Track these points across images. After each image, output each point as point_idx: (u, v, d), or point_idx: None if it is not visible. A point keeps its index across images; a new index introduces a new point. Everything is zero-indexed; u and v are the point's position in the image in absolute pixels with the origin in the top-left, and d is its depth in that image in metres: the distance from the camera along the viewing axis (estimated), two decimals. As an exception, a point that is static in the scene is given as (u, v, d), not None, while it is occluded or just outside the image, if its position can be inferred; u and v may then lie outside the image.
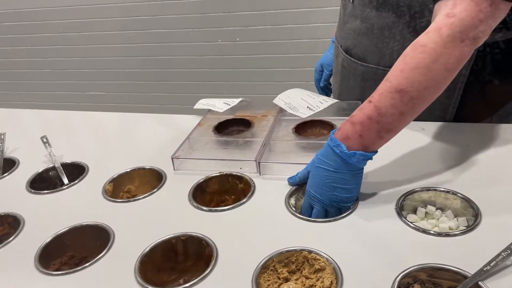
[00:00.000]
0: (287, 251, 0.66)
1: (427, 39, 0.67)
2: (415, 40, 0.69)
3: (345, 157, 0.70)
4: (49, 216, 0.82)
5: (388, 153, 0.84)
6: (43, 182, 0.96)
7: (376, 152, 0.73)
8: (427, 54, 0.66)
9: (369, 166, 0.83)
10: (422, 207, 0.76)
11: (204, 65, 2.52)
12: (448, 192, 0.74)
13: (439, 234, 0.67)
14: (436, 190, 0.75)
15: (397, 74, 0.68)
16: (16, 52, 2.86)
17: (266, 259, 0.65)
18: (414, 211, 0.76)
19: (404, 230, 0.69)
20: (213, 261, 0.67)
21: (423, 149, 0.89)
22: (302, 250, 0.66)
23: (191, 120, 1.11)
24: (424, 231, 0.68)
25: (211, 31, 2.41)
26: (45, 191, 0.90)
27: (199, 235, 0.72)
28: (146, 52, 2.58)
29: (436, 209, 0.75)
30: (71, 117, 1.27)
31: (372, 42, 0.96)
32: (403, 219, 0.71)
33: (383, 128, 0.69)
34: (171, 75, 2.61)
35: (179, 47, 2.51)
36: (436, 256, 0.63)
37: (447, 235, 0.67)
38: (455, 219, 0.73)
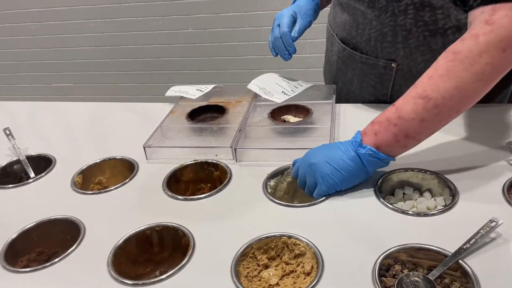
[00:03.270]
0: (267, 237, 0.65)
1: (462, 46, 0.64)
2: (449, 47, 0.66)
3: (356, 145, 0.70)
4: (15, 211, 0.78)
5: None
6: (7, 176, 0.91)
7: (393, 159, 0.71)
8: (459, 62, 0.63)
9: None
10: (399, 188, 0.76)
11: (173, 54, 2.46)
12: (425, 172, 0.74)
13: (417, 214, 0.67)
14: (413, 170, 0.75)
15: (425, 80, 0.66)
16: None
17: (245, 246, 0.64)
18: (392, 193, 0.76)
19: (383, 211, 0.69)
20: (190, 251, 0.64)
21: None
22: (281, 236, 0.65)
23: (163, 108, 1.08)
24: (403, 212, 0.68)
25: (180, 19, 2.35)
26: (10, 185, 0.86)
27: (175, 225, 0.70)
28: (112, 42, 2.50)
29: (414, 190, 0.75)
30: (35, 108, 1.22)
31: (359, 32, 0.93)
32: (382, 200, 0.70)
33: (401, 132, 0.68)
34: (140, 64, 2.54)
35: (147, 36, 2.44)
36: (415, 236, 0.62)
37: (425, 215, 0.67)
38: (433, 199, 0.73)
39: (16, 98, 2.74)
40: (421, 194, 0.75)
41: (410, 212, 0.68)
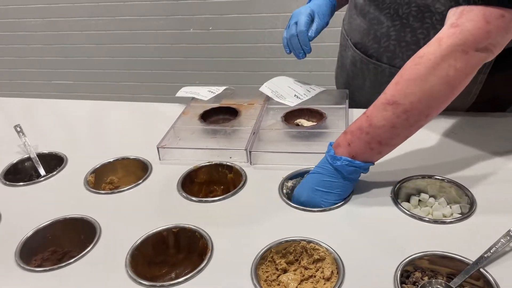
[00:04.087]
0: (286, 241, 0.64)
1: (426, 50, 0.64)
2: (417, 51, 0.66)
3: (331, 160, 0.70)
4: (28, 210, 0.77)
5: None
6: (18, 173, 0.91)
7: (372, 164, 0.72)
8: (423, 65, 0.64)
9: None
10: (415, 195, 0.76)
11: (176, 54, 2.46)
12: (443, 180, 0.74)
13: (434, 221, 0.67)
14: (431, 177, 0.75)
15: (392, 86, 0.67)
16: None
17: (264, 249, 0.63)
18: (407, 200, 0.76)
19: (401, 218, 0.69)
20: (209, 254, 0.64)
21: (419, 138, 0.89)
22: (300, 240, 0.65)
23: (174, 109, 1.07)
24: (420, 219, 0.68)
25: (183, 19, 2.34)
26: (21, 183, 0.85)
27: (192, 227, 0.69)
28: (114, 40, 2.49)
29: (429, 196, 0.75)
30: (44, 106, 1.21)
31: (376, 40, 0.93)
32: (399, 206, 0.70)
33: (373, 139, 0.68)
34: (142, 64, 2.54)
35: (149, 35, 2.43)
36: (433, 243, 0.63)
37: (442, 222, 0.67)
38: (448, 206, 0.73)
39: (16, 95, 2.72)
40: (436, 200, 0.75)
41: (426, 218, 0.68)
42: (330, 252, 0.62)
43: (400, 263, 0.59)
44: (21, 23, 2.58)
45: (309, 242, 0.64)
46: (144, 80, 2.59)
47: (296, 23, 0.95)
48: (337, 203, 0.72)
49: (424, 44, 0.66)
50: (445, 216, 0.71)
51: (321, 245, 0.63)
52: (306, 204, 0.73)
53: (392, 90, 0.66)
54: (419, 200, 0.75)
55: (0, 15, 2.58)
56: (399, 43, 0.90)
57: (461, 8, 0.63)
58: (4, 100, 1.26)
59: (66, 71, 2.68)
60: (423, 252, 0.60)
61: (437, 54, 0.63)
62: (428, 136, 0.88)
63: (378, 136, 0.68)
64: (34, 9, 2.51)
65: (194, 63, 2.45)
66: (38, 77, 2.76)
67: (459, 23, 0.62)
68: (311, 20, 0.96)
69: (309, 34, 0.95)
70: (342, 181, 0.71)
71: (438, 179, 0.74)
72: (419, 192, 0.76)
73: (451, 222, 0.67)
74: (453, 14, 0.64)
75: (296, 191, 0.75)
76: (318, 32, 0.97)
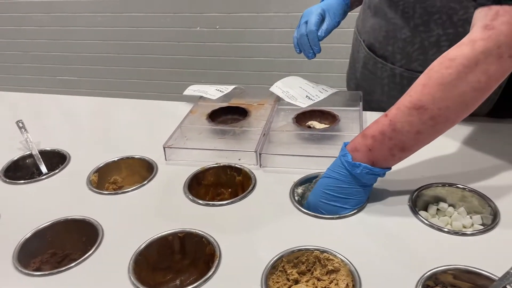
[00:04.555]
0: (299, 250, 0.61)
1: (458, 52, 0.60)
2: (445, 52, 0.62)
3: (349, 167, 0.66)
4: (28, 209, 0.74)
5: None
6: (19, 170, 0.88)
7: (389, 169, 0.68)
8: (454, 70, 0.59)
9: None
10: (433, 203, 0.72)
11: (183, 52, 2.42)
12: (464, 189, 0.71)
13: (455, 233, 0.64)
14: (452, 186, 0.71)
15: (419, 88, 0.62)
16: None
17: (275, 258, 0.60)
18: (425, 208, 0.72)
19: (419, 227, 0.65)
20: (217, 261, 0.61)
21: (436, 144, 0.85)
22: (314, 250, 0.61)
23: (181, 107, 1.04)
24: (440, 229, 0.64)
25: (190, 17, 2.31)
26: (22, 181, 0.82)
27: (199, 232, 0.66)
28: (119, 37, 2.46)
29: (448, 206, 0.72)
30: (46, 101, 1.18)
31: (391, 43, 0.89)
32: (418, 216, 0.67)
33: (396, 146, 0.64)
34: (148, 61, 2.51)
35: (155, 32, 2.40)
36: (454, 256, 0.59)
37: (463, 234, 0.64)
38: (469, 216, 0.70)
39: (20, 90, 2.69)
40: (455, 210, 0.72)
41: (446, 229, 0.65)
42: (346, 263, 0.59)
43: (421, 277, 0.55)
44: (26, 18, 2.56)
45: (322, 252, 0.61)
46: (150, 78, 2.56)
47: (306, 22, 0.92)
48: (354, 210, 0.68)
49: (443, 47, 0.62)
50: (465, 227, 0.68)
51: (335, 255, 0.60)
52: (323, 212, 0.69)
53: (419, 93, 0.62)
54: (437, 209, 0.72)
55: (6, 10, 2.56)
56: (415, 45, 0.86)
57: (494, 8, 0.59)
58: (7, 94, 1.24)
59: (71, 67, 2.66)
60: (446, 266, 0.56)
61: (471, 58, 0.59)
62: (447, 142, 0.84)
63: (402, 143, 0.64)
64: (40, 4, 2.49)
65: (201, 61, 2.42)
66: (43, 72, 2.73)
67: (494, 25, 0.58)
68: (322, 19, 0.93)
69: (319, 34, 0.91)
70: (360, 188, 0.67)
71: (459, 187, 0.71)
72: (437, 200, 0.73)
73: (472, 234, 0.63)
74: (485, 15, 0.60)
75: (311, 199, 0.71)
76: (328, 32, 0.93)
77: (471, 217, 0.69)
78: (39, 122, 1.04)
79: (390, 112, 0.64)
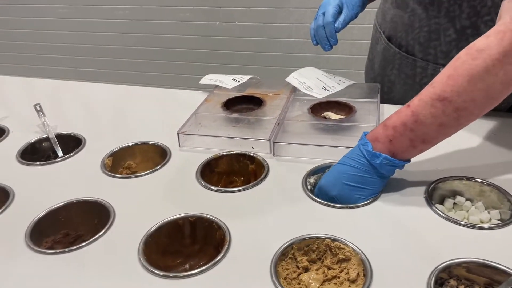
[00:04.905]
0: (310, 238, 0.60)
1: (486, 43, 0.58)
2: (472, 43, 0.60)
3: (369, 156, 0.65)
4: (42, 190, 0.75)
5: None
6: (35, 153, 0.89)
7: (408, 161, 0.67)
8: (482, 62, 0.57)
9: None
10: (449, 197, 0.71)
11: (200, 46, 2.43)
12: (483, 183, 0.68)
13: (472, 226, 0.62)
14: (470, 179, 0.69)
15: (444, 79, 0.60)
16: (6, 23, 2.73)
17: (285, 245, 0.59)
18: (441, 202, 0.71)
19: (434, 220, 0.63)
20: (226, 246, 0.60)
21: (455, 137, 0.83)
22: (325, 238, 0.60)
23: (197, 96, 1.04)
24: (456, 222, 0.63)
25: (209, 11, 2.31)
26: (38, 163, 0.83)
27: (210, 217, 0.66)
28: (139, 30, 2.48)
29: (466, 200, 0.70)
30: (65, 87, 1.19)
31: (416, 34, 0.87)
32: (433, 208, 0.65)
33: (418, 138, 0.63)
34: (167, 54, 2.52)
35: (176, 26, 2.41)
36: (470, 249, 0.57)
37: (480, 227, 0.62)
38: (486, 211, 0.68)
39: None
40: (472, 204, 0.70)
41: (462, 222, 0.63)
42: (357, 252, 0.57)
43: (435, 269, 0.54)
44: (48, 9, 2.60)
45: (334, 240, 0.60)
46: (168, 71, 2.57)
47: (323, 14, 0.90)
48: (368, 200, 0.67)
49: (465, 40, 0.60)
50: (482, 222, 0.66)
51: (347, 244, 0.59)
52: (336, 199, 0.68)
53: (443, 84, 0.60)
54: (454, 203, 0.70)
55: (30, 1, 2.60)
56: (438, 37, 0.84)
57: None
58: (27, 79, 1.26)
59: (91, 58, 2.69)
60: (461, 258, 0.55)
61: (500, 50, 0.57)
62: (465, 136, 0.82)
63: (424, 134, 0.62)
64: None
65: (219, 56, 2.42)
66: (64, 63, 2.77)
67: None
68: (339, 11, 0.90)
69: (336, 25, 0.88)
70: (377, 178, 0.66)
71: (478, 181, 0.69)
72: (454, 194, 0.71)
73: (490, 228, 0.61)
74: None
75: (324, 184, 0.69)
76: (346, 23, 0.90)
77: (489, 212, 0.67)
78: (57, 107, 1.05)
79: (412, 103, 0.63)
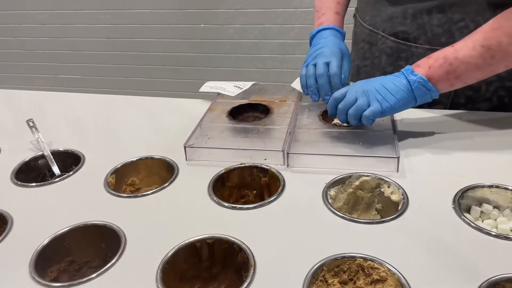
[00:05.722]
0: (342, 257, 0.56)
1: None
2: None
3: (407, 73, 0.75)
4: (43, 213, 0.69)
5: (441, 145, 0.80)
6: (30, 172, 0.83)
7: (437, 95, 0.75)
8: None
9: (421, 159, 0.75)
10: (476, 205, 0.68)
11: (184, 49, 2.37)
12: (514, 190, 0.66)
13: (506, 238, 0.59)
14: (499, 187, 0.66)
15: (488, 30, 0.70)
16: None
17: (316, 267, 0.55)
18: (467, 210, 0.68)
19: (467, 232, 0.60)
20: (252, 270, 0.56)
21: (481, 143, 0.81)
22: (356, 257, 0.56)
23: (198, 105, 0.99)
24: (488, 233, 0.60)
25: (194, 13, 2.27)
26: (35, 184, 0.77)
27: (230, 238, 0.61)
28: (121, 34, 2.41)
29: (493, 208, 0.67)
30: (56, 99, 1.13)
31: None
32: (463, 218, 0.62)
33: (454, 72, 0.72)
34: (151, 59, 2.45)
35: (161, 29, 2.35)
36: (508, 263, 0.54)
37: (515, 238, 0.59)
38: (516, 219, 0.65)
39: (22, 88, 2.64)
40: (500, 212, 0.67)
41: (493, 233, 0.60)
42: (393, 272, 0.54)
43: (479, 287, 0.51)
44: (27, 16, 2.50)
45: (366, 259, 0.56)
46: (153, 76, 2.51)
47: (327, 64, 0.83)
48: (385, 111, 0.74)
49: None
50: (512, 231, 0.63)
51: (381, 263, 0.55)
52: (366, 92, 0.75)
53: (488, 34, 0.70)
54: (481, 212, 0.67)
55: (8, 7, 2.50)
56: (450, 25, 0.83)
57: None
58: (14, 92, 1.19)
59: (73, 65, 2.61)
60: (507, 274, 0.52)
61: None
62: (491, 142, 0.80)
63: (460, 71, 0.72)
64: (41, 1, 2.43)
65: (200, 59, 2.37)
66: (44, 71, 2.68)
67: None
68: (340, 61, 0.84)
69: (345, 81, 0.83)
70: (407, 94, 0.74)
71: (509, 189, 0.66)
72: (479, 203, 0.68)
73: (526, 239, 0.59)
74: None
75: (359, 83, 0.78)
76: (347, 75, 0.85)
77: (518, 220, 0.65)
78: (48, 121, 0.99)
79: (456, 44, 0.73)
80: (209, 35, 2.30)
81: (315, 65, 0.83)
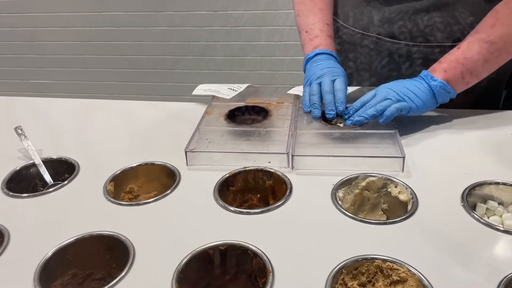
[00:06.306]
0: (363, 259, 0.56)
1: None
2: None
3: (427, 79, 0.80)
4: (41, 225, 0.66)
5: (443, 143, 0.81)
6: (21, 182, 0.79)
7: (455, 94, 0.81)
8: None
9: (424, 157, 0.76)
10: (481, 202, 0.69)
11: (165, 52, 2.34)
12: (521, 186, 0.67)
13: (515, 233, 0.60)
14: (506, 184, 0.68)
15: (488, 28, 0.77)
16: None
17: (335, 270, 0.55)
18: (473, 208, 0.69)
19: (479, 229, 0.61)
20: (271, 277, 0.55)
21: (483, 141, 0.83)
22: (374, 259, 0.56)
23: (192, 108, 0.98)
24: (498, 229, 0.61)
25: (174, 15, 2.23)
26: (29, 194, 0.73)
27: (243, 244, 0.60)
28: (94, 37, 2.36)
29: (498, 204, 0.68)
30: (44, 105, 1.08)
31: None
32: (472, 214, 0.63)
33: (467, 70, 0.79)
34: (127, 62, 2.41)
35: (140, 32, 2.31)
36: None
37: (525, 233, 0.60)
38: (521, 215, 0.66)
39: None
40: (505, 209, 0.68)
41: (501, 228, 0.61)
42: (413, 272, 0.54)
43: (500, 283, 0.51)
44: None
45: (384, 261, 0.56)
46: (143, 80, 2.46)
47: (333, 81, 0.85)
48: (413, 108, 0.80)
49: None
50: (519, 226, 0.64)
51: (400, 264, 0.55)
52: (395, 93, 0.80)
53: (488, 31, 0.77)
54: (486, 208, 0.68)
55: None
56: (445, 19, 0.86)
57: None
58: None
59: (45, 69, 2.53)
60: (527, 271, 0.53)
61: None
62: (492, 139, 0.82)
63: (472, 68, 0.78)
64: (7, 4, 2.35)
65: (182, 62, 2.34)
66: (15, 75, 2.58)
67: None
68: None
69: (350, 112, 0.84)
70: (430, 97, 0.80)
71: (513, 185, 0.67)
72: (484, 199, 0.69)
73: (534, 234, 0.60)
74: None
75: (384, 87, 0.82)
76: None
77: (523, 216, 0.66)
78: (37, 127, 0.94)
79: (461, 45, 0.80)
80: (187, 38, 2.27)
81: (319, 84, 0.85)
